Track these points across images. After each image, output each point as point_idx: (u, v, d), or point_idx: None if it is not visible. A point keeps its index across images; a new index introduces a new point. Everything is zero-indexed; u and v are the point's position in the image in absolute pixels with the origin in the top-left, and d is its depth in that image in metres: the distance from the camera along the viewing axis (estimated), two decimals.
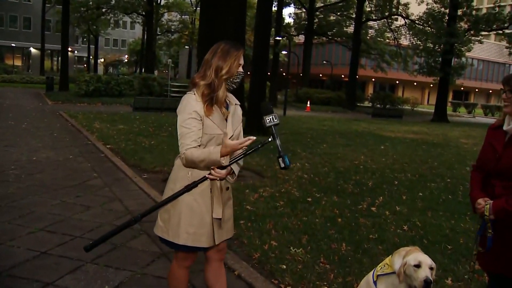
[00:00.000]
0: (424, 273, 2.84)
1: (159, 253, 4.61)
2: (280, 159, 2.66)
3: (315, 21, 45.56)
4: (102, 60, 72.20)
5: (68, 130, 13.57)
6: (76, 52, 63.74)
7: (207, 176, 2.72)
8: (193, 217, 2.78)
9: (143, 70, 47.70)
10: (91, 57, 63.58)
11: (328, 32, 47.53)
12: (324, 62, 58.88)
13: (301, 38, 52.17)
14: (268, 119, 2.70)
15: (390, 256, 3.29)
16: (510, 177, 2.71)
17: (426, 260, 2.90)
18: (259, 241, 4.92)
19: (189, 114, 2.73)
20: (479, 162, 3.00)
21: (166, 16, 57.11)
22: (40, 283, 3.80)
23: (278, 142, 2.69)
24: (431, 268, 2.88)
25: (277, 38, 34.94)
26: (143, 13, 42.03)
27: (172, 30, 56.34)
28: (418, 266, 2.87)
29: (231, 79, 2.82)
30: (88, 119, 15.93)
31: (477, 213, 2.87)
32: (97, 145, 10.80)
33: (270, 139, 2.72)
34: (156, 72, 48.80)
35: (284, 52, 46.86)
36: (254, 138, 2.61)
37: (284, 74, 44.64)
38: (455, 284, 4.18)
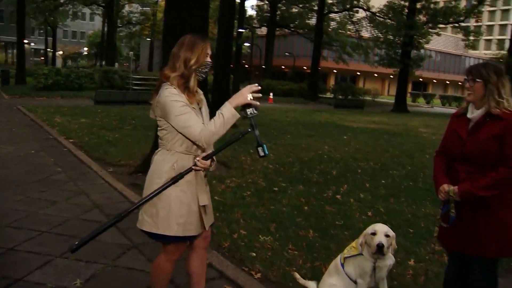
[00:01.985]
0: (378, 239, 3.11)
1: (129, 245, 4.63)
2: (260, 148, 2.76)
3: (277, 13, 45.73)
4: (61, 52, 70.39)
5: (28, 124, 13.24)
6: (32, 44, 61.75)
7: (192, 167, 2.79)
8: (183, 207, 2.84)
9: (103, 63, 46.85)
10: (48, 49, 61.82)
11: (290, 24, 47.77)
12: (287, 54, 59.11)
13: (263, 30, 52.22)
14: (249, 111, 2.78)
15: (356, 240, 3.45)
16: (474, 163, 2.88)
17: (382, 228, 3.18)
18: (228, 230, 5.00)
19: (180, 102, 2.77)
20: (442, 148, 3.17)
21: (127, 7, 56.08)
22: (9, 279, 3.76)
23: (257, 132, 2.78)
24: (387, 236, 3.13)
25: (240, 30, 34.90)
26: (103, 4, 41.20)
27: (133, 22, 55.38)
28: (374, 234, 3.15)
29: (199, 69, 2.88)
30: (48, 113, 15.55)
31: (440, 197, 3.03)
32: (59, 140, 10.61)
33: (249, 130, 2.80)
34: (116, 65, 47.89)
35: (246, 44, 46.83)
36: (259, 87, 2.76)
37: (246, 66, 44.72)
38: (417, 264, 4.37)
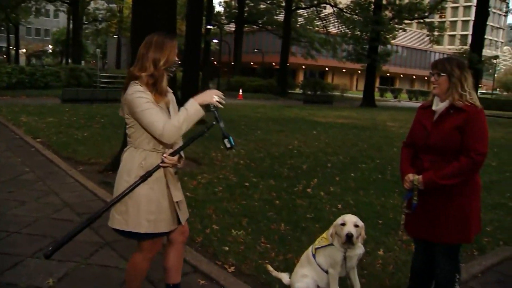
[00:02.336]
0: (348, 229, 3.23)
1: (102, 243, 4.62)
2: (226, 140, 2.83)
3: (245, 9, 45.72)
4: (24, 50, 68.72)
5: None
6: None
7: (160, 164, 2.82)
8: (151, 204, 2.86)
9: (69, 61, 45.99)
10: (11, 47, 60.23)
11: (259, 21, 47.81)
12: (255, 50, 59.26)
13: (231, 27, 52.14)
14: (212, 104, 2.83)
15: (327, 231, 3.55)
16: (437, 152, 3.01)
17: (351, 219, 3.30)
18: (201, 226, 5.05)
19: (144, 99, 2.78)
20: (409, 139, 3.30)
21: (92, 4, 55.05)
22: None
23: (221, 124, 2.83)
24: (356, 226, 3.27)
25: (208, 27, 34.81)
26: (68, 1, 40.37)
27: (100, 19, 54.44)
28: (343, 224, 3.27)
29: (168, 68, 2.91)
30: (13, 112, 15.21)
31: (405, 186, 3.16)
32: (25, 139, 10.41)
33: (214, 123, 2.85)
34: (83, 63, 47.10)
35: (215, 41, 46.71)
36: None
37: (215, 63, 44.61)
38: (387, 254, 4.51)
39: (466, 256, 4.77)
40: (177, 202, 2.98)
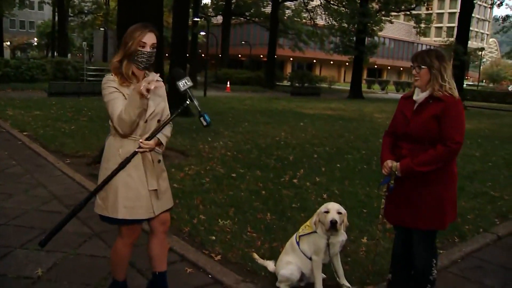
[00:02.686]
0: (331, 216, 3.36)
1: (91, 233, 4.68)
2: (201, 118, 2.87)
3: (232, 1, 45.59)
4: (9, 43, 67.86)
5: None
6: None
7: (137, 150, 2.87)
8: (129, 191, 2.91)
9: (55, 54, 45.56)
10: None
11: (246, 13, 47.70)
12: (243, 42, 59.13)
13: (219, 19, 51.96)
14: (181, 84, 2.86)
15: (310, 219, 3.65)
16: (415, 140, 3.13)
17: (334, 206, 3.43)
18: (188, 216, 5.12)
19: (108, 88, 2.88)
20: (391, 128, 3.41)
21: None
22: None
23: (196, 102, 2.86)
24: (339, 213, 3.40)
25: (195, 19, 34.67)
26: None
27: (85, 11, 53.92)
28: (327, 212, 3.40)
29: (135, 57, 2.90)
30: None
31: (384, 172, 3.27)
32: (12, 133, 10.38)
33: (188, 102, 2.90)
34: (69, 56, 46.65)
35: (202, 33, 46.53)
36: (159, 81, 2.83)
37: (203, 55, 44.47)
38: (370, 242, 4.62)
39: (447, 243, 4.91)
40: (154, 190, 3.01)
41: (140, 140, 2.86)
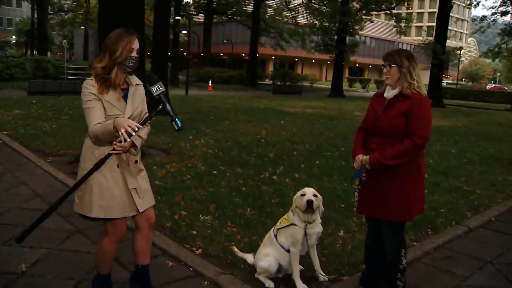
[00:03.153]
0: (307, 197, 3.54)
1: (74, 230, 4.76)
2: (173, 122, 2.95)
3: (214, 0, 45.56)
4: None
5: None
6: None
7: (110, 152, 2.93)
8: (103, 191, 3.02)
9: (35, 52, 45.05)
10: None
11: (228, 11, 47.72)
12: (225, 41, 59.17)
13: (200, 18, 51.94)
14: (154, 89, 2.96)
15: (287, 213, 3.80)
16: (384, 135, 3.29)
17: (310, 190, 3.63)
18: (170, 212, 5.24)
19: (87, 95, 2.95)
20: (363, 124, 3.58)
21: None
22: None
23: (168, 107, 2.96)
24: (315, 196, 3.59)
25: (177, 17, 34.61)
26: None
27: (65, 9, 53.32)
28: (303, 195, 3.58)
29: (124, 63, 3.00)
30: None
31: (355, 165, 3.43)
32: None
33: (160, 106, 2.97)
34: (49, 54, 46.12)
35: (184, 32, 46.46)
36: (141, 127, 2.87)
37: (184, 54, 44.39)
38: (347, 235, 4.79)
39: (421, 235, 5.11)
40: (135, 189, 3.12)
41: (114, 142, 2.89)
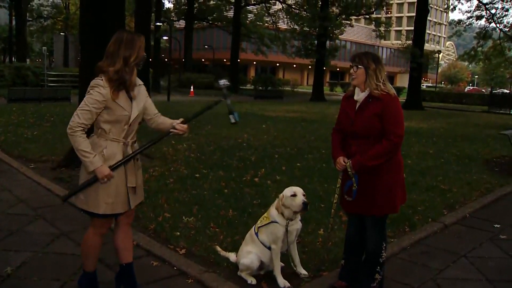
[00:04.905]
0: (301, 198, 3.68)
1: (58, 233, 4.81)
2: (231, 116, 3.30)
3: (195, 5, 45.66)
4: None
5: None
6: None
7: (171, 131, 3.29)
8: (110, 189, 3.13)
9: (13, 59, 44.57)
10: None
11: (209, 17, 47.87)
12: (206, 46, 59.27)
13: (181, 23, 51.97)
14: (221, 82, 3.33)
15: (267, 211, 3.92)
16: (362, 137, 3.43)
17: (299, 189, 3.75)
18: (153, 214, 5.32)
19: (95, 95, 3.02)
20: (337, 126, 3.72)
21: (36, 0, 53.34)
22: None
23: (228, 101, 3.32)
24: (303, 195, 3.72)
25: (158, 23, 34.64)
26: None
27: (45, 15, 52.85)
28: (294, 195, 3.69)
29: (138, 63, 3.17)
30: None
31: (337, 169, 3.58)
32: None
33: (222, 99, 3.32)
34: (28, 61, 45.56)
35: (165, 38, 46.43)
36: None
37: (166, 60, 44.36)
38: (327, 233, 4.91)
39: (398, 232, 5.27)
40: (134, 187, 3.26)
41: (177, 122, 3.28)
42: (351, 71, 3.50)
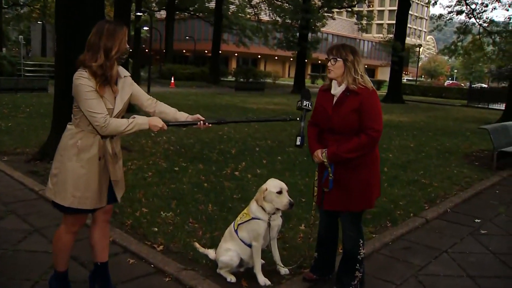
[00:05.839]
0: (286, 197, 3.58)
1: (31, 230, 4.64)
2: (299, 137, 3.40)
3: None
4: None
5: None
6: None
7: (198, 123, 3.28)
8: (79, 182, 2.97)
9: None
10: None
11: (190, 8, 47.37)
12: (187, 37, 58.77)
13: (162, 14, 51.38)
14: (305, 103, 3.42)
15: (247, 207, 3.81)
16: (339, 132, 3.34)
17: (284, 186, 3.65)
18: (131, 210, 5.17)
19: (88, 87, 2.87)
20: (313, 119, 3.61)
21: None
22: None
23: (302, 124, 3.40)
24: (287, 191, 3.61)
25: (138, 13, 34.15)
26: None
27: (21, 3, 51.57)
28: (280, 192, 3.57)
29: (120, 57, 3.00)
30: None
31: (314, 161, 3.48)
32: None
33: (298, 119, 3.43)
34: (4, 50, 44.44)
35: (145, 28, 45.86)
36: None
37: (146, 50, 43.86)
38: (307, 229, 4.84)
39: (380, 228, 5.22)
40: (117, 180, 3.14)
41: (203, 120, 3.28)
42: (329, 64, 3.38)
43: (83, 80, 2.88)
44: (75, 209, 3.01)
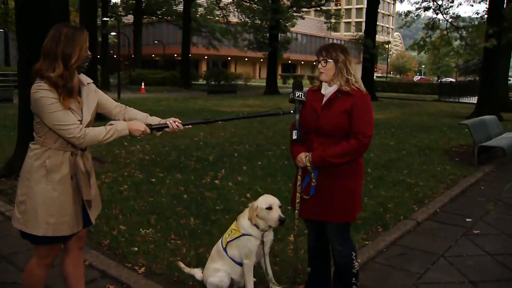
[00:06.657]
0: (277, 213, 3.28)
1: None
2: (294, 131, 3.13)
3: (143, 0, 44.51)
4: None
5: None
6: None
7: (168, 122, 3.06)
8: (52, 206, 2.64)
9: None
10: None
11: (158, 11, 46.81)
12: (156, 42, 58.10)
13: (130, 18, 50.62)
14: (298, 94, 3.13)
15: (235, 222, 3.51)
16: (327, 135, 3.07)
17: (275, 201, 3.35)
18: (107, 227, 4.81)
19: (50, 99, 2.53)
20: (300, 121, 3.32)
21: None
22: None
23: (297, 116, 3.14)
24: (280, 207, 3.31)
25: (104, 19, 33.47)
26: None
27: None
28: (269, 208, 3.28)
29: (81, 65, 2.67)
30: None
31: (297, 165, 3.21)
32: None
33: (292, 111, 3.18)
34: None
35: (113, 34, 45.04)
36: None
37: (115, 56, 43.13)
38: (297, 238, 4.56)
39: (372, 233, 5.00)
40: (88, 200, 2.80)
41: (178, 122, 3.08)
42: (319, 66, 3.12)
43: (43, 93, 2.53)
44: (50, 238, 2.67)
